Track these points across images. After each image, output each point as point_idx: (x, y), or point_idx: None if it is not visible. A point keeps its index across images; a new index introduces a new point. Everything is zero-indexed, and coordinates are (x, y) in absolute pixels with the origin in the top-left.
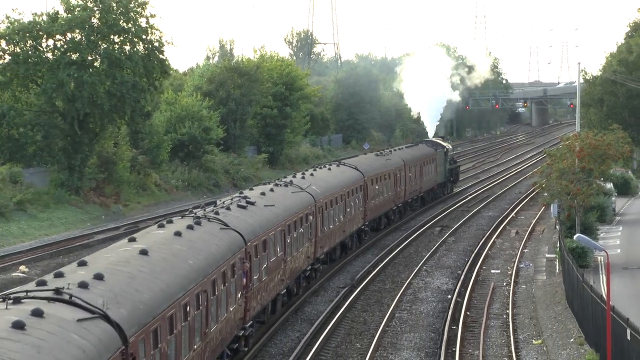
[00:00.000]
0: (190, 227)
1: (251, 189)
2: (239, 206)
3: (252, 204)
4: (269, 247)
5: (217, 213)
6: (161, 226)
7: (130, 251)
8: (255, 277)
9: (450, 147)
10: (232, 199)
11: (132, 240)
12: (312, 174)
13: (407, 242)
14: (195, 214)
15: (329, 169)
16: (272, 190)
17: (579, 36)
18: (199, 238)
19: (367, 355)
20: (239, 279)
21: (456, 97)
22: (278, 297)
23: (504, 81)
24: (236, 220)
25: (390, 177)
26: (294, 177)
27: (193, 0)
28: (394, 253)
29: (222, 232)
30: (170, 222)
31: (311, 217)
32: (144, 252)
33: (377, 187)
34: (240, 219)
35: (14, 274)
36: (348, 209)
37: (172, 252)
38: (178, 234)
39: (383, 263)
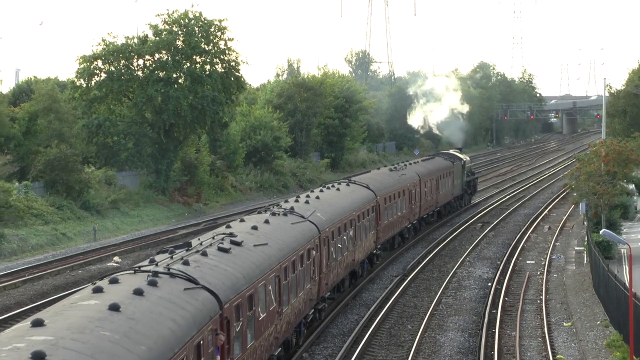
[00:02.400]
0: (138, 293)
1: (242, 220)
2: (220, 249)
3: (238, 244)
4: (258, 303)
5: (185, 262)
6: (97, 290)
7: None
8: (236, 351)
9: (468, 159)
10: (213, 237)
11: (38, 324)
12: (317, 197)
13: (452, 236)
14: (156, 264)
15: (338, 189)
16: (267, 222)
17: (605, 55)
18: (148, 312)
19: (417, 335)
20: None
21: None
22: (271, 359)
23: (538, 94)
24: (211, 272)
25: (404, 193)
26: (297, 201)
27: (265, 24)
28: (440, 246)
29: (187, 295)
30: (115, 281)
31: (314, 252)
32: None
33: (390, 205)
34: (217, 270)
35: (109, 263)
36: (358, 236)
37: (90, 348)
38: (114, 308)
39: (431, 255)
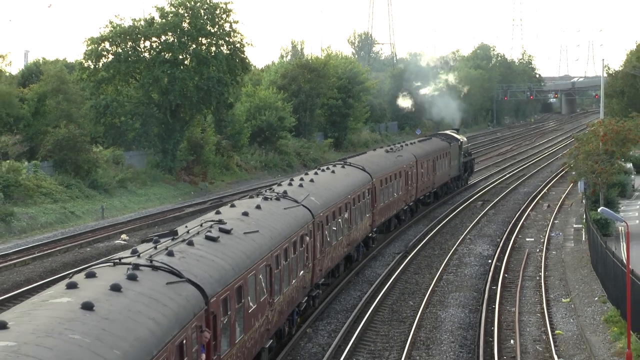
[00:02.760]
0: (115, 289)
1: (232, 206)
2: (208, 238)
3: (227, 232)
4: (247, 294)
5: (170, 253)
6: (71, 286)
7: None
8: (224, 347)
9: (465, 139)
10: (201, 225)
11: (1, 327)
12: (312, 180)
13: (453, 214)
14: (138, 254)
15: (333, 171)
16: (258, 207)
17: (603, 36)
18: (125, 310)
19: (418, 311)
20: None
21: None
22: (262, 351)
23: (537, 75)
24: (197, 263)
25: (401, 175)
26: (290, 184)
27: (270, 7)
28: (442, 224)
29: (170, 289)
30: (91, 275)
31: (308, 238)
32: None
33: (386, 188)
34: (204, 262)
35: (117, 241)
36: (354, 219)
37: (55, 354)
38: (88, 307)
39: (432, 232)
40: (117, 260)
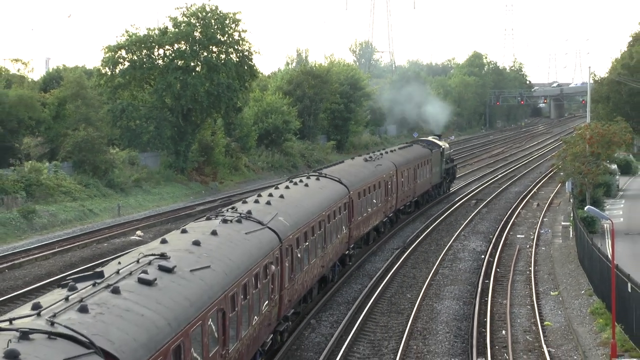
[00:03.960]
0: None
1: (184, 231)
2: (141, 281)
3: (169, 270)
4: (189, 355)
5: (82, 309)
6: None
7: None
8: None
9: (447, 145)
10: (138, 260)
11: None
12: (281, 196)
13: (448, 212)
14: (38, 312)
15: (306, 184)
16: (214, 233)
17: (590, 45)
18: None
19: (416, 303)
20: None
21: None
22: None
23: (528, 82)
24: (118, 322)
25: (380, 185)
26: (257, 201)
27: (276, 16)
28: (438, 221)
29: None
30: None
31: (274, 267)
32: None
33: (365, 200)
34: (130, 318)
35: (132, 237)
36: (328, 238)
37: None
38: None
39: (429, 229)
40: (6, 323)
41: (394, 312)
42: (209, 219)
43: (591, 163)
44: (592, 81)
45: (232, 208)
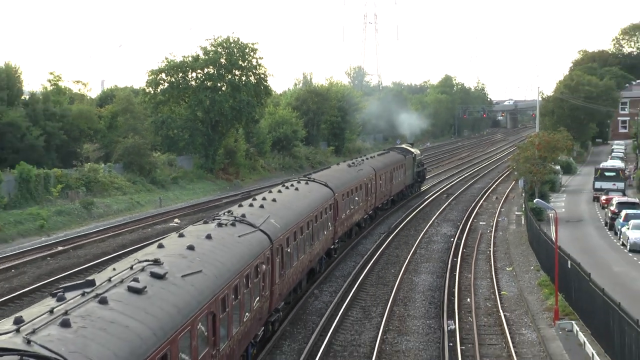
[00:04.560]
0: None
1: (181, 235)
2: (130, 290)
3: (160, 277)
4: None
5: (65, 323)
6: None
7: None
8: None
9: (419, 152)
10: (131, 267)
11: None
12: (274, 199)
13: (424, 204)
14: (18, 328)
15: (297, 188)
16: (209, 237)
17: (539, 69)
18: None
19: (398, 277)
20: None
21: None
22: None
23: (489, 99)
24: (100, 337)
25: (361, 187)
26: (251, 205)
27: (286, 46)
28: (416, 211)
29: None
30: None
31: (265, 266)
32: None
33: (348, 201)
34: (113, 331)
35: (171, 224)
36: (316, 236)
37: None
38: None
39: (409, 218)
40: None
41: (380, 283)
42: (205, 222)
43: (539, 164)
44: (540, 98)
45: (229, 212)
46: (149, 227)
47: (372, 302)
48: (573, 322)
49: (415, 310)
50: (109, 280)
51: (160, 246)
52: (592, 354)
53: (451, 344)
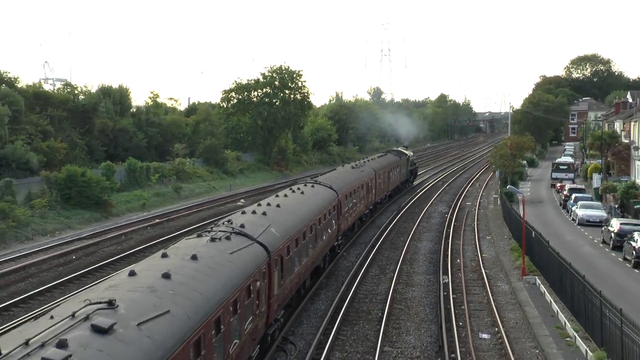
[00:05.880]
0: None
1: (164, 256)
2: None
3: (104, 331)
4: None
5: None
6: None
7: None
8: None
9: (412, 153)
10: (74, 315)
11: None
12: (278, 205)
13: (425, 189)
14: None
15: (302, 192)
16: (194, 258)
17: (510, 88)
18: None
19: (406, 243)
20: None
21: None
22: None
23: (473, 111)
24: None
25: (363, 187)
26: (254, 212)
27: (324, 71)
28: (419, 195)
29: None
30: None
31: (259, 283)
32: None
33: (351, 200)
34: None
35: (238, 203)
36: (320, 237)
37: None
38: None
39: (414, 200)
40: None
41: (393, 248)
42: (199, 236)
43: (511, 160)
44: (511, 111)
45: (228, 221)
46: (222, 205)
47: (387, 262)
48: (536, 277)
49: (418, 268)
50: (27, 343)
51: (132, 274)
52: (550, 301)
53: (445, 293)
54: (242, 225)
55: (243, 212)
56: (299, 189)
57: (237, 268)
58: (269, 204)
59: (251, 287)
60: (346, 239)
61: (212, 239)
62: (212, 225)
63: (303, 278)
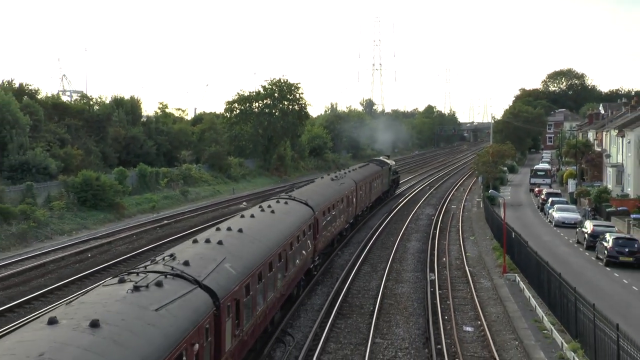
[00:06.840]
0: None
1: (51, 322)
2: None
3: None
4: None
5: None
6: None
7: None
8: None
9: (394, 163)
10: None
11: None
12: (240, 230)
13: (413, 193)
14: None
15: (273, 211)
16: (94, 325)
17: (492, 100)
18: None
19: (396, 243)
20: None
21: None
22: None
23: (458, 121)
24: None
25: (343, 200)
26: (208, 240)
27: (320, 84)
28: (407, 199)
29: None
30: None
31: (197, 346)
32: None
33: (329, 216)
34: None
35: (240, 205)
36: (292, 262)
37: None
38: None
39: (403, 203)
40: None
41: (383, 247)
42: (121, 281)
43: (492, 166)
44: (493, 121)
45: (171, 256)
46: (225, 207)
47: (378, 260)
48: (516, 274)
49: (407, 266)
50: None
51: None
52: (529, 297)
53: (432, 289)
54: (185, 263)
55: (195, 241)
56: (269, 206)
57: (160, 335)
58: (229, 229)
59: (187, 352)
60: (324, 258)
61: (136, 288)
62: (149, 261)
63: (270, 316)
